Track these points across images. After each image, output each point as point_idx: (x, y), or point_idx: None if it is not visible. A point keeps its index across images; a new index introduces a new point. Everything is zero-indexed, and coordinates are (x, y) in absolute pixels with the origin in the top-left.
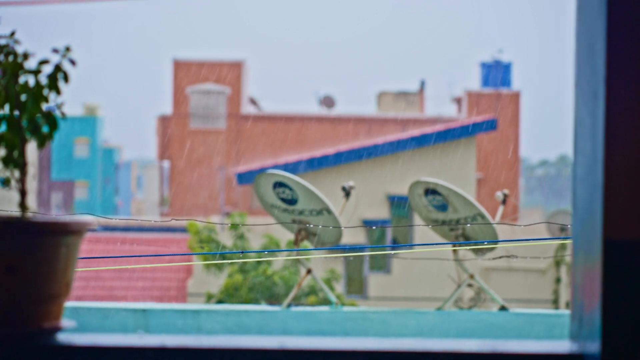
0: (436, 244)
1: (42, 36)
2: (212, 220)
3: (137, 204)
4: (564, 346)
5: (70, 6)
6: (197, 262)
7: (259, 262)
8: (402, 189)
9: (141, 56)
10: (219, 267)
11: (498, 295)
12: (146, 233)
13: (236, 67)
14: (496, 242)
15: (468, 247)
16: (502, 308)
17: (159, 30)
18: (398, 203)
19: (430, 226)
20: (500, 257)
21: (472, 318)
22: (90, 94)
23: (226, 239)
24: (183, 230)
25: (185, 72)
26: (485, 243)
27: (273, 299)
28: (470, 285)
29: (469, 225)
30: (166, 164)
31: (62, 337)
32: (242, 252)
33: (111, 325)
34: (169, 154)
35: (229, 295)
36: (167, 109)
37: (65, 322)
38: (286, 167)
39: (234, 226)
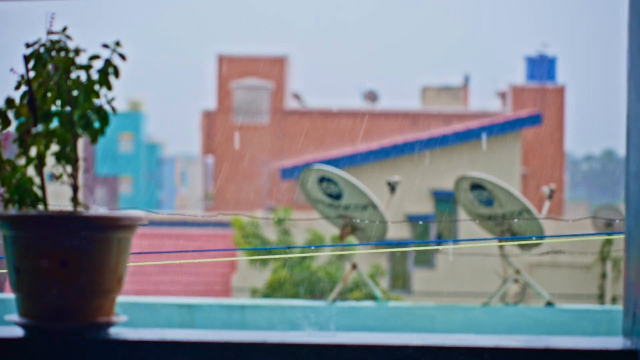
0: (482, 239)
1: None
2: (256, 215)
3: (181, 199)
4: (616, 342)
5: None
6: (242, 258)
7: (303, 257)
8: (446, 184)
9: (184, 50)
10: (264, 262)
11: (543, 290)
12: (190, 228)
13: (279, 62)
14: (543, 237)
15: (514, 243)
16: (549, 303)
17: (202, 23)
18: (442, 198)
19: (476, 221)
20: (548, 253)
21: (518, 313)
22: (134, 89)
23: (270, 234)
24: (227, 225)
25: (229, 67)
26: (534, 238)
27: (318, 294)
28: (516, 281)
29: (515, 220)
30: (210, 159)
31: (114, 332)
32: (288, 248)
33: (158, 320)
34: (212, 149)
35: (273, 290)
36: (210, 103)
37: (118, 317)
38: (330, 162)
39: (280, 221)
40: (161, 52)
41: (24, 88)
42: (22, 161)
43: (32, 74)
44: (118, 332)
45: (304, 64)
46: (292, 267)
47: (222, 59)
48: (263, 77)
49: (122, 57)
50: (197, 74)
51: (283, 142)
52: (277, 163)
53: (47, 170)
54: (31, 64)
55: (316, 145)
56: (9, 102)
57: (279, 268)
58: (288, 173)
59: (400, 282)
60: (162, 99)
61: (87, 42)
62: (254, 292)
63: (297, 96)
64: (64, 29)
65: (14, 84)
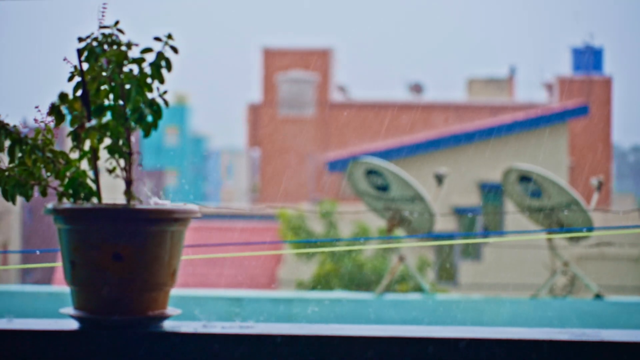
0: (530, 231)
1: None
2: (302, 207)
3: (226, 192)
4: None
5: None
6: (289, 251)
7: (350, 250)
8: (493, 176)
9: (229, 43)
10: (310, 254)
11: (591, 283)
12: (236, 221)
13: (325, 55)
14: (592, 229)
15: (563, 235)
16: (597, 296)
17: (246, 16)
18: (489, 190)
19: (525, 214)
20: (597, 245)
21: (567, 306)
22: (179, 83)
23: (317, 227)
24: (272, 218)
25: (274, 60)
26: (584, 231)
27: (364, 287)
28: (564, 273)
29: (564, 212)
30: (255, 151)
31: (168, 325)
32: (335, 241)
33: (206, 313)
34: (258, 141)
35: (320, 283)
36: (255, 96)
37: (171, 310)
38: (376, 154)
39: (327, 214)
40: (205, 45)
41: (76, 81)
42: (75, 155)
43: (85, 68)
44: (172, 325)
45: (349, 55)
46: (339, 259)
47: (267, 52)
48: (308, 69)
49: (174, 50)
50: (242, 67)
51: (328, 134)
52: (322, 155)
53: (100, 163)
54: (84, 58)
55: (362, 138)
56: (63, 96)
57: (325, 261)
58: (334, 165)
59: (447, 274)
60: (207, 92)
61: (132, 35)
62: (300, 285)
63: (342, 88)
64: (116, 23)
65: (66, 77)
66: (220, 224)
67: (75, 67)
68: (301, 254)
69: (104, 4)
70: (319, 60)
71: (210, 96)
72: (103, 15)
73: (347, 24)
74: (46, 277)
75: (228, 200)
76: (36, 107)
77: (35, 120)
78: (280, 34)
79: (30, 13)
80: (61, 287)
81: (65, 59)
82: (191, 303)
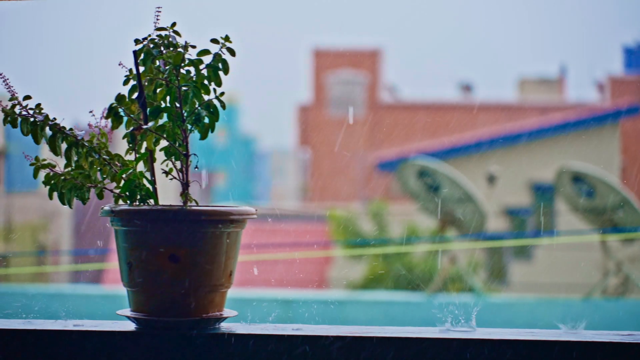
0: (582, 231)
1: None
2: (353, 207)
3: (276, 192)
4: None
5: None
6: (339, 252)
7: (400, 249)
8: (544, 176)
9: (276, 42)
10: (361, 254)
11: None
12: (286, 222)
13: (374, 55)
14: None
15: (616, 236)
16: None
17: (294, 15)
18: (540, 190)
19: (577, 213)
20: None
21: (620, 307)
22: (229, 83)
23: (367, 227)
24: (322, 218)
25: (324, 60)
26: (638, 231)
27: (416, 287)
28: (616, 274)
29: (617, 213)
30: (305, 152)
31: (225, 326)
32: (386, 241)
33: (258, 314)
34: (307, 142)
35: (370, 283)
36: (304, 96)
37: (228, 311)
38: (426, 154)
39: (377, 216)
40: (253, 45)
41: (132, 84)
42: (131, 157)
43: (141, 70)
44: (228, 326)
45: (399, 54)
46: (389, 259)
47: (317, 52)
48: (358, 70)
49: (231, 52)
50: (290, 67)
51: (378, 134)
52: (372, 155)
53: (157, 165)
54: (140, 60)
55: (411, 138)
56: (120, 98)
57: (375, 261)
58: (384, 165)
59: (498, 274)
60: (256, 92)
61: (188, 37)
62: (351, 285)
63: (391, 88)
64: (173, 25)
65: (114, 79)
66: (270, 226)
67: (131, 69)
68: (352, 254)
69: (159, 6)
70: (368, 60)
71: (259, 96)
72: (158, 18)
73: (396, 23)
74: (96, 278)
75: (277, 201)
76: (90, 111)
77: (90, 125)
78: (329, 33)
79: (82, 15)
80: (113, 287)
81: (120, 64)
82: (243, 304)
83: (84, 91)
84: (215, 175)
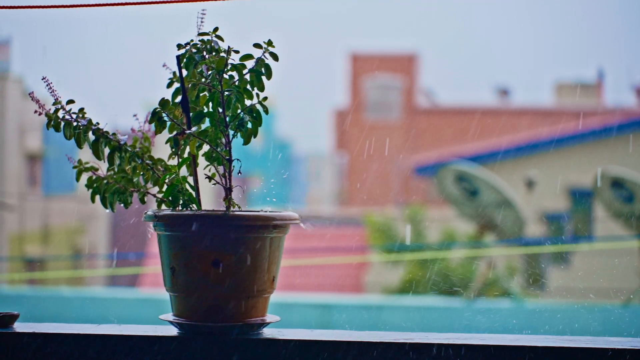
0: (621, 237)
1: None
2: (389, 212)
3: (312, 197)
4: None
5: None
6: (376, 258)
7: (438, 254)
8: (582, 180)
9: (311, 46)
10: (398, 259)
11: None
12: (322, 226)
13: (411, 59)
14: None
15: None
16: None
17: (330, 19)
18: (578, 194)
19: (616, 219)
20: None
21: None
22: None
23: (404, 231)
24: (359, 222)
25: (361, 64)
26: None
27: (453, 292)
28: None
29: None
30: (341, 156)
31: (267, 332)
32: (423, 247)
33: (296, 319)
34: (344, 146)
35: (407, 287)
36: (340, 99)
37: (270, 316)
38: (463, 159)
39: (414, 221)
40: (288, 48)
41: (174, 88)
42: (173, 161)
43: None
44: (271, 332)
45: (435, 58)
46: (426, 264)
47: (354, 56)
48: (394, 73)
49: (274, 56)
50: (326, 71)
51: (414, 139)
52: (408, 160)
53: (200, 170)
54: (183, 64)
55: (447, 142)
56: (164, 103)
57: (413, 265)
58: (421, 170)
59: (535, 279)
60: (291, 96)
61: (229, 42)
62: (387, 290)
63: (427, 92)
64: (215, 30)
65: (150, 83)
66: (306, 230)
67: (174, 73)
68: (388, 259)
69: (203, 10)
70: (405, 64)
71: (295, 100)
72: (202, 20)
73: (434, 27)
74: (132, 281)
75: (313, 205)
76: (134, 115)
77: (133, 129)
78: (365, 37)
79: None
80: (152, 291)
81: (164, 65)
82: (281, 309)
83: (119, 95)
84: (251, 179)
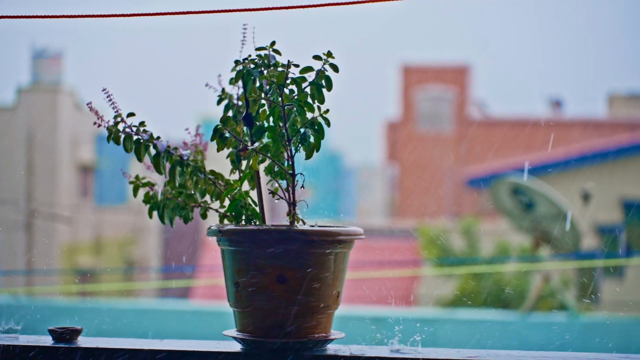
0: None
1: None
2: (442, 224)
3: (363, 208)
4: None
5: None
6: (430, 271)
7: (492, 267)
8: (635, 193)
9: (362, 58)
10: (451, 272)
11: None
12: (374, 238)
13: (463, 71)
14: None
15: None
16: None
17: (382, 31)
18: (632, 207)
19: None
20: None
21: None
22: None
23: (457, 244)
24: (411, 234)
25: (412, 76)
26: None
27: (507, 305)
28: None
29: None
30: (392, 168)
31: (332, 348)
32: (476, 260)
33: (354, 333)
34: (395, 157)
35: (460, 300)
36: (391, 111)
37: (335, 333)
38: (516, 171)
39: (467, 233)
40: (341, 60)
41: (224, 104)
42: (234, 176)
43: (239, 90)
44: (335, 348)
45: (487, 70)
46: (480, 277)
47: (405, 68)
48: (446, 85)
49: (335, 68)
50: (377, 83)
51: (466, 151)
52: (460, 172)
53: (263, 185)
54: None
55: (500, 154)
56: (225, 120)
57: (466, 278)
58: (473, 182)
59: (589, 292)
60: (342, 108)
61: (287, 55)
62: (439, 302)
63: (479, 104)
64: (272, 44)
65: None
66: (358, 243)
67: (223, 89)
68: (441, 271)
69: (245, 25)
70: (457, 76)
71: (346, 112)
72: (245, 35)
73: (485, 39)
74: (183, 293)
75: (364, 217)
76: (186, 129)
77: (185, 143)
78: (417, 49)
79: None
80: (206, 303)
81: (207, 85)
82: (338, 322)
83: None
84: (302, 191)
